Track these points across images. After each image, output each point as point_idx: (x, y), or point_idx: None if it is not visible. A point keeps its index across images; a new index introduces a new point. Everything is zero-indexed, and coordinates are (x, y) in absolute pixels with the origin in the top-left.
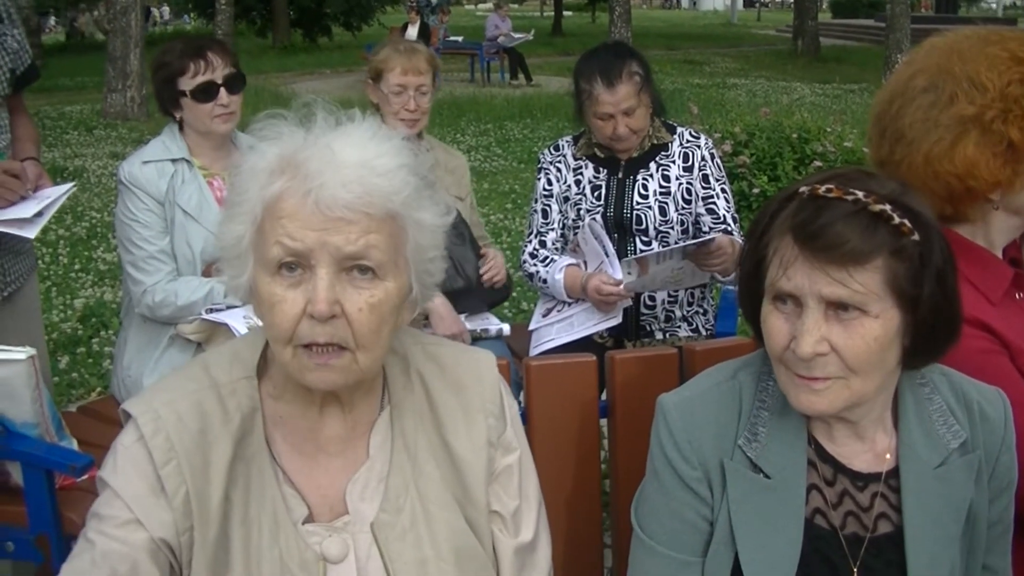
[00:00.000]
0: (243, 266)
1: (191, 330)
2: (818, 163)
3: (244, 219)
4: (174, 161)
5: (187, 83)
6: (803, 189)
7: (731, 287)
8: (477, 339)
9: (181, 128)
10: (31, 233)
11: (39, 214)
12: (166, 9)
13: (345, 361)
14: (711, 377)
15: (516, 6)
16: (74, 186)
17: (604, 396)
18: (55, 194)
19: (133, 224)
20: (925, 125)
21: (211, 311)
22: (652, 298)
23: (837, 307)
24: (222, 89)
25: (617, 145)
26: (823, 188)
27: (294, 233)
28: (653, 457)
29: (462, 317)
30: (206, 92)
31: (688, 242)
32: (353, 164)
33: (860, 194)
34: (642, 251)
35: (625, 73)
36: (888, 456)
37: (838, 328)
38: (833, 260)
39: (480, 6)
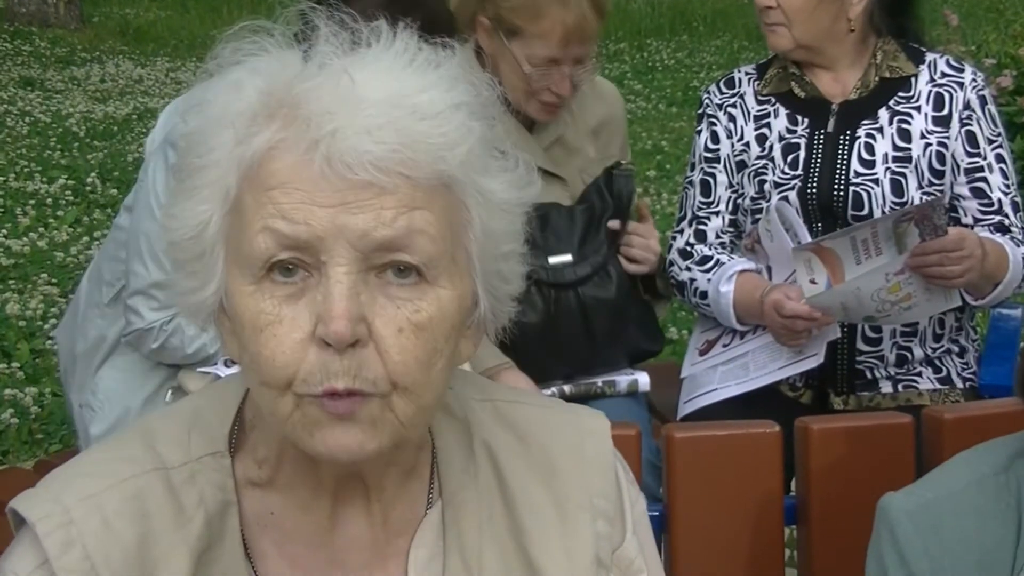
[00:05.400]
0: (207, 270)
1: (197, 387)
2: None
3: (208, 194)
4: None
5: None
6: None
7: (1010, 311)
8: (597, 397)
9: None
10: None
11: None
12: None
13: (374, 409)
14: (969, 468)
15: None
16: None
17: (793, 488)
18: None
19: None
20: None
21: (231, 363)
22: (876, 328)
23: None
24: None
25: (767, 33)
26: None
27: (292, 212)
28: None
29: (557, 387)
30: None
31: (906, 208)
32: (382, 101)
33: None
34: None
35: None
36: None
37: None
38: None
39: None
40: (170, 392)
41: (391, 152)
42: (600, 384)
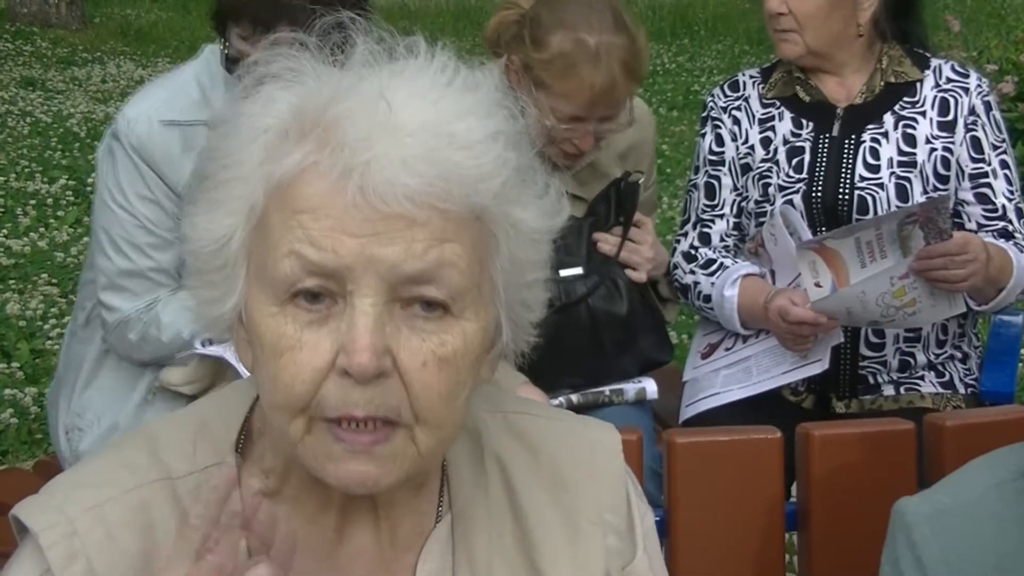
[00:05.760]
0: (227, 283)
1: (180, 379)
2: None
3: (233, 209)
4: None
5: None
6: None
7: (1011, 318)
8: (605, 406)
9: (232, 66)
10: None
11: None
12: None
13: (397, 445)
14: (987, 473)
15: None
16: None
17: (794, 494)
18: None
19: (122, 216)
20: None
21: (210, 343)
22: (880, 333)
23: None
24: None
25: (778, 41)
26: None
27: (321, 239)
28: None
29: (564, 397)
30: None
31: (910, 207)
32: (420, 129)
33: None
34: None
35: None
36: None
37: None
38: None
39: None
40: (154, 394)
41: (426, 185)
42: (608, 393)
